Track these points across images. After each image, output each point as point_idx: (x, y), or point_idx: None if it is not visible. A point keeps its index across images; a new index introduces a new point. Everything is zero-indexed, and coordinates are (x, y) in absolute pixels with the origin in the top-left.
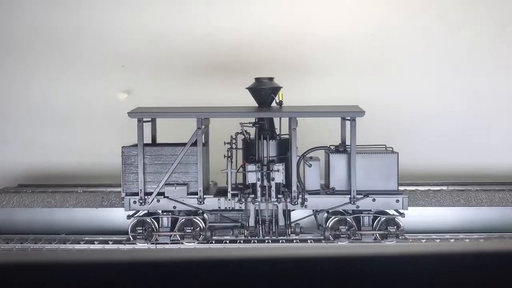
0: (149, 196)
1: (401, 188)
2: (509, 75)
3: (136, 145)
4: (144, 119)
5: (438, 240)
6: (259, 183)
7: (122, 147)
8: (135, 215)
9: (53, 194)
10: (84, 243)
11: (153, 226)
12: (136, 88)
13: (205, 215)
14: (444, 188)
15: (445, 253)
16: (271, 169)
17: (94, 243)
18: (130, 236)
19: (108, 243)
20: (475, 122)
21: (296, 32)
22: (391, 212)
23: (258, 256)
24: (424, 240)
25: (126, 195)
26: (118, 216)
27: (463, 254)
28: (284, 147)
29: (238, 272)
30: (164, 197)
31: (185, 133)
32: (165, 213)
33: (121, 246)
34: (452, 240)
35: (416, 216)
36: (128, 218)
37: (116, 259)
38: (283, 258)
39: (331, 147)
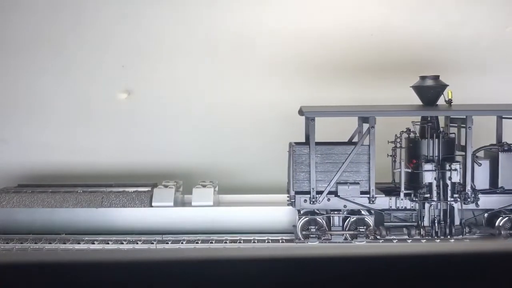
0: (319, 195)
1: None
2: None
3: (301, 143)
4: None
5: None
6: (435, 182)
7: (292, 145)
8: (302, 214)
9: (53, 194)
10: (84, 243)
11: (324, 225)
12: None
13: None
14: None
15: (445, 253)
16: (448, 168)
17: (94, 243)
18: (299, 235)
19: (108, 243)
20: None
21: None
22: None
23: (258, 256)
24: None
25: (296, 193)
26: (118, 216)
27: (463, 254)
28: (450, 146)
29: (238, 272)
30: (335, 196)
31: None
32: (335, 212)
33: (121, 246)
34: None
35: None
36: (299, 216)
37: (116, 259)
38: (283, 258)
39: (505, 143)
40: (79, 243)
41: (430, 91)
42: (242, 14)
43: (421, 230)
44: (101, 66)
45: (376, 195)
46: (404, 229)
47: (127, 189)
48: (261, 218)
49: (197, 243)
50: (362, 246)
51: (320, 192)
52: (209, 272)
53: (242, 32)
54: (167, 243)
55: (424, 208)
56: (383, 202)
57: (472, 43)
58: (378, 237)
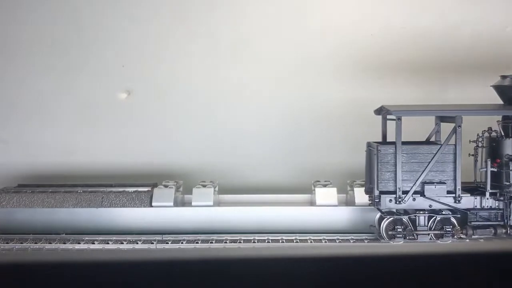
0: (405, 195)
1: None
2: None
3: (385, 143)
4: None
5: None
6: None
7: (377, 145)
8: (387, 214)
9: (53, 194)
10: (84, 243)
11: (410, 225)
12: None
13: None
14: None
15: (445, 253)
16: None
17: (94, 243)
18: (384, 234)
19: (108, 243)
20: None
21: None
22: None
23: (258, 256)
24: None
25: (381, 193)
26: (118, 216)
27: (463, 254)
28: None
29: (238, 272)
30: (421, 195)
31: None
32: (421, 212)
33: (121, 246)
34: None
35: None
36: (382, 216)
37: (116, 259)
38: (283, 258)
39: None
40: (79, 243)
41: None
42: (242, 14)
43: (508, 229)
44: (101, 66)
45: (461, 195)
46: (490, 228)
47: (127, 189)
48: (262, 218)
49: (197, 243)
50: (362, 246)
51: (405, 192)
52: (210, 272)
53: (242, 31)
54: (167, 243)
55: (509, 207)
56: (468, 201)
57: None
58: (464, 236)
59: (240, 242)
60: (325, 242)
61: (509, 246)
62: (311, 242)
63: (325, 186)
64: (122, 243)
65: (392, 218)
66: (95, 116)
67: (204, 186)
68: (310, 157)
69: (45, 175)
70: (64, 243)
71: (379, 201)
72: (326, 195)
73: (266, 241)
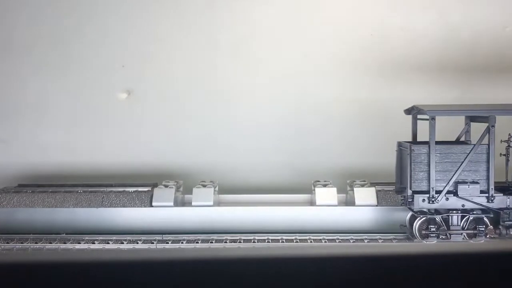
0: (438, 194)
1: None
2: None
3: (418, 143)
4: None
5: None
6: None
7: (410, 144)
8: (420, 214)
9: (53, 194)
10: (84, 243)
11: (443, 224)
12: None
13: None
14: None
15: (445, 253)
16: None
17: (94, 243)
18: (417, 234)
19: (108, 243)
20: None
21: None
22: None
23: (258, 256)
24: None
25: (414, 193)
26: (118, 216)
27: (463, 254)
28: None
29: (238, 272)
30: (454, 195)
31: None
32: (454, 211)
33: (121, 246)
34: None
35: None
36: (415, 216)
37: (116, 259)
38: (283, 258)
39: None
40: (79, 243)
41: None
42: (242, 14)
43: None
44: (101, 66)
45: (494, 194)
46: None
47: (127, 189)
48: (262, 218)
49: (197, 243)
50: (362, 246)
51: (438, 192)
52: (209, 272)
53: (242, 31)
54: (167, 243)
55: None
56: (501, 201)
57: None
58: (497, 236)
59: (240, 242)
60: (325, 242)
61: (509, 246)
62: (311, 242)
63: (325, 186)
64: (122, 243)
65: (425, 218)
66: (95, 116)
67: (204, 186)
68: (310, 157)
69: (45, 175)
70: (64, 243)
71: (412, 200)
72: (326, 195)
73: (266, 241)
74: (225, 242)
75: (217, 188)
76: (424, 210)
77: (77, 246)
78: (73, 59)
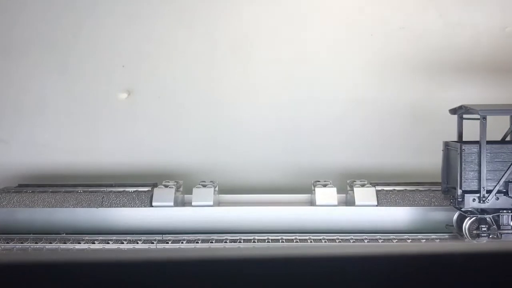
0: (488, 194)
1: None
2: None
3: (469, 142)
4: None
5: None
6: None
7: (461, 144)
8: (471, 214)
9: (53, 194)
10: (84, 243)
11: (493, 224)
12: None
13: None
14: None
15: (445, 253)
16: None
17: (94, 243)
18: (467, 234)
19: (108, 243)
20: None
21: None
22: None
23: (258, 256)
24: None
25: (464, 192)
26: (118, 216)
27: (463, 254)
28: None
29: (238, 272)
30: (504, 194)
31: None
32: (504, 211)
33: (121, 246)
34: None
35: None
36: (463, 216)
37: (116, 259)
38: (283, 258)
39: None
40: (79, 243)
41: None
42: (242, 13)
43: None
44: (101, 66)
45: None
46: None
47: (127, 189)
48: (262, 218)
49: (197, 243)
50: (362, 246)
51: (488, 191)
52: (209, 272)
53: (242, 31)
54: (167, 243)
55: None
56: None
57: None
58: None
59: (240, 242)
60: (325, 241)
61: (509, 246)
62: (311, 242)
63: (325, 186)
64: (122, 243)
65: (475, 218)
66: (95, 116)
67: (204, 186)
68: (310, 157)
69: (45, 175)
70: (65, 243)
71: (462, 200)
72: (326, 195)
73: (266, 241)
74: (225, 242)
75: (217, 188)
76: (470, 209)
77: (77, 246)
78: (73, 58)
